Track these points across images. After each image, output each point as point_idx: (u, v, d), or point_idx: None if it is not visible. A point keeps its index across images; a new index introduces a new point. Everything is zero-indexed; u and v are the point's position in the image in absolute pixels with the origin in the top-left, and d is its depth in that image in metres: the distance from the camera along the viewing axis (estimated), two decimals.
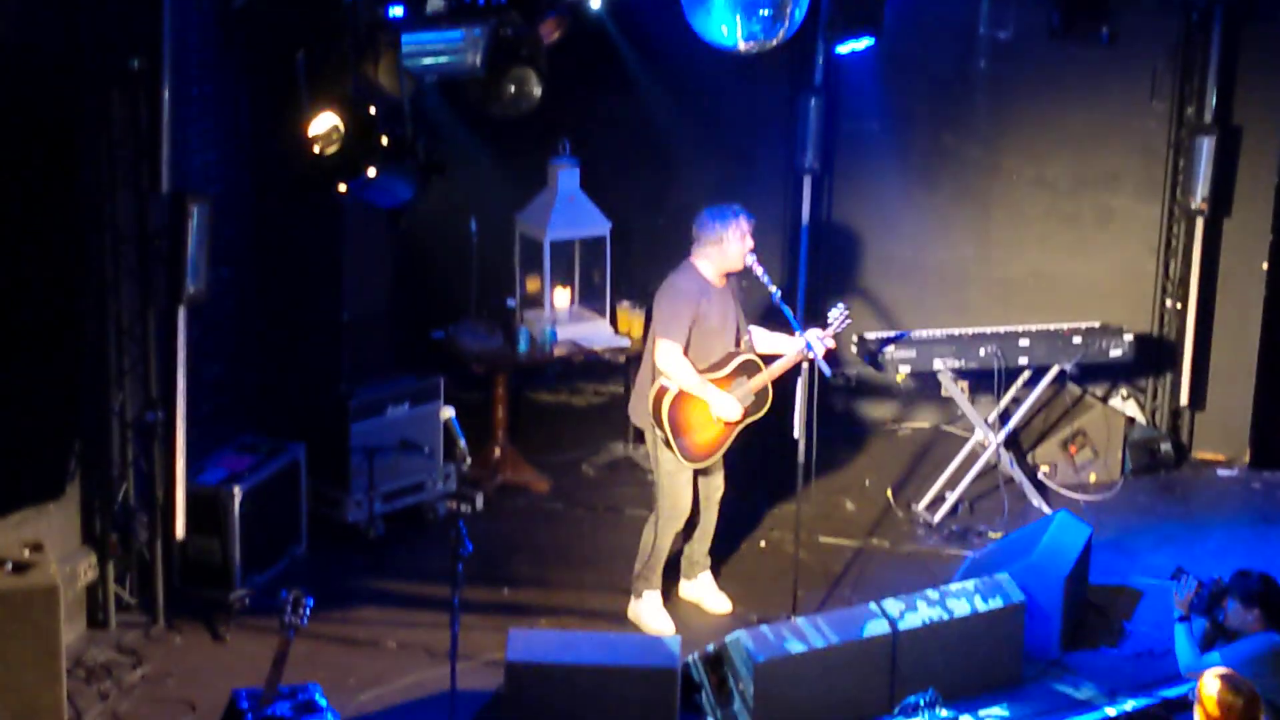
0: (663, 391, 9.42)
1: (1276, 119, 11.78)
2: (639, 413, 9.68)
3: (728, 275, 9.58)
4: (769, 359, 9.64)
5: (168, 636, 9.49)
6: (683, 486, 9.61)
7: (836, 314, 9.64)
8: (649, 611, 9.74)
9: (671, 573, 9.97)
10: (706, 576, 10.02)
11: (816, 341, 9.43)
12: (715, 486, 9.83)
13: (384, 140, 8.65)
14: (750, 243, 9.47)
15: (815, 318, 10.37)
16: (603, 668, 8.45)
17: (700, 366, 9.44)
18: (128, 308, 9.32)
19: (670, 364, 9.36)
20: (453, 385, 11.13)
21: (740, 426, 9.57)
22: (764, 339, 9.76)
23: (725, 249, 9.46)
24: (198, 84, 9.76)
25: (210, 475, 9.88)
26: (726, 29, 10.05)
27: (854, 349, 11.49)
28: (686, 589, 10.04)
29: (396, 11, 8.86)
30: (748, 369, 9.55)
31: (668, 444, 9.44)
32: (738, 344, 9.60)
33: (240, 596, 9.72)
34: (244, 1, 8.48)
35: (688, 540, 9.93)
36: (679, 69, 11.95)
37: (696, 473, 9.66)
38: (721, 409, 9.44)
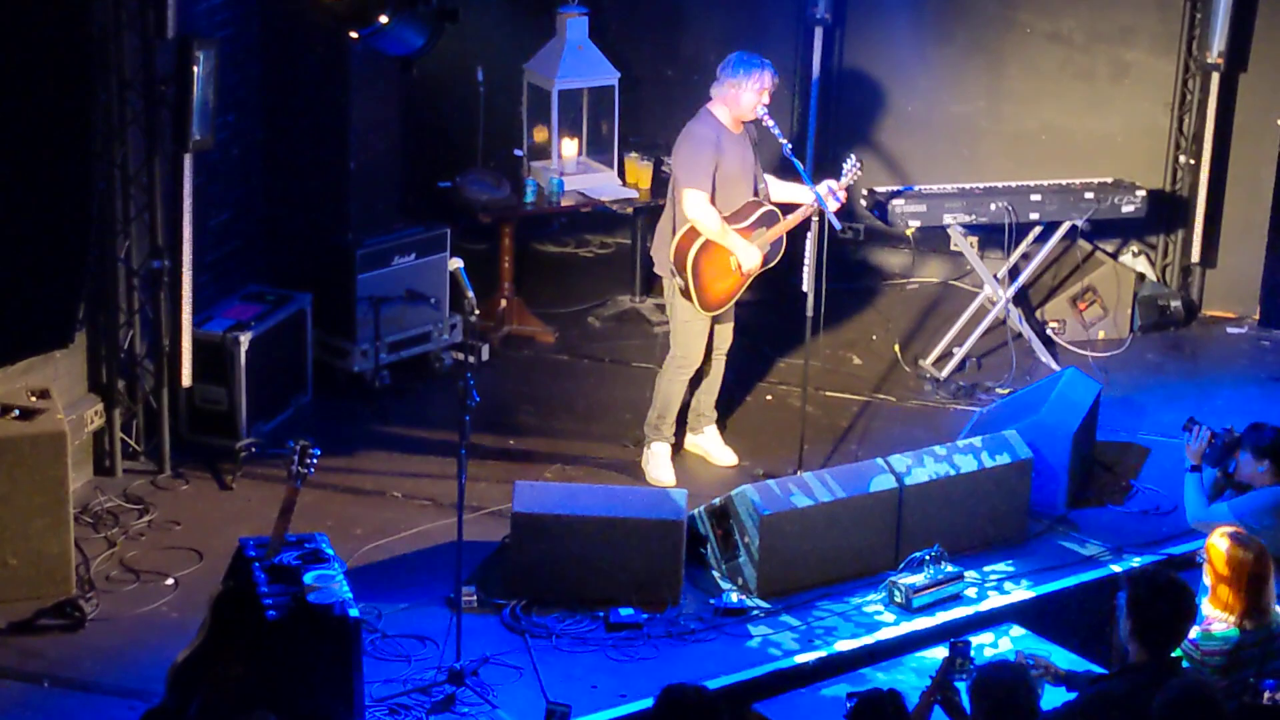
0: (688, 240, 9.40)
1: None
2: (660, 259, 9.66)
3: (744, 123, 9.49)
4: (786, 208, 9.61)
5: (174, 484, 9.52)
6: (697, 335, 9.62)
7: (849, 165, 9.63)
8: (656, 462, 9.76)
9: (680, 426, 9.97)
10: (713, 429, 10.02)
11: (828, 194, 9.39)
12: (724, 338, 9.81)
13: None
14: (767, 98, 9.38)
15: (825, 170, 10.30)
16: (609, 519, 8.47)
17: (724, 214, 9.41)
18: (134, 154, 9.27)
19: (698, 213, 9.33)
20: (459, 235, 11.10)
21: (754, 276, 9.56)
22: (779, 188, 9.72)
23: (740, 96, 9.38)
24: None
25: (216, 323, 9.86)
26: None
27: (863, 202, 11.42)
28: (693, 441, 10.05)
29: None
30: (767, 219, 9.54)
31: (685, 293, 9.42)
32: (756, 192, 9.56)
33: (246, 445, 9.72)
34: None
35: (694, 392, 9.92)
36: None
37: (711, 322, 9.65)
38: (746, 259, 9.43)
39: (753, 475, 9.57)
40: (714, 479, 9.72)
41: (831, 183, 9.49)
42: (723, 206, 9.42)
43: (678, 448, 9.93)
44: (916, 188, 11.23)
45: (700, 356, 9.70)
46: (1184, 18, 11.84)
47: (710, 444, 10.01)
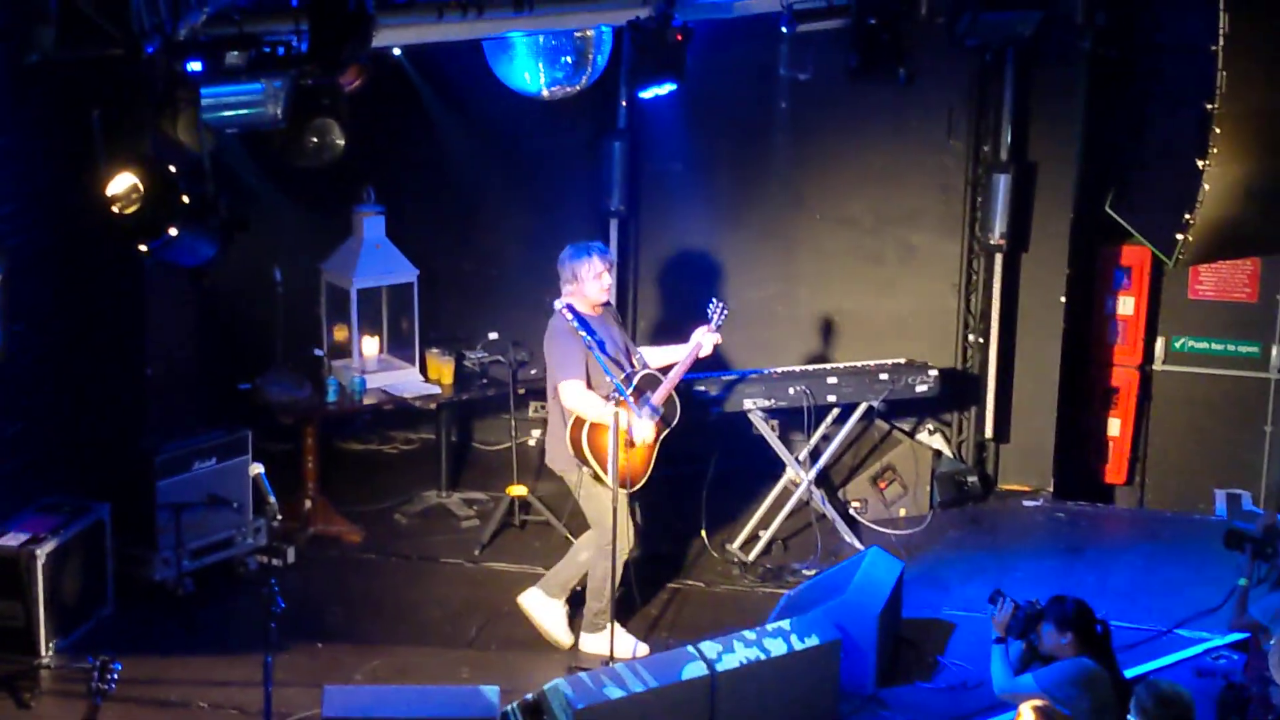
0: (578, 429, 9.61)
1: (1070, 155, 12.07)
2: (559, 459, 9.84)
3: (602, 305, 9.77)
4: (666, 370, 9.86)
5: None
6: (625, 516, 9.75)
7: (714, 309, 9.95)
8: (620, 643, 9.77)
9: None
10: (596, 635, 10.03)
11: (706, 339, 9.76)
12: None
13: (184, 198, 8.52)
14: (607, 280, 9.70)
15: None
16: None
17: (602, 395, 9.61)
18: None
19: (577, 401, 9.58)
20: (262, 437, 11.00)
21: (660, 440, 9.77)
22: (656, 354, 10.09)
23: (582, 287, 9.70)
24: None
25: (12, 537, 9.65)
26: (529, 75, 10.10)
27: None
28: (588, 642, 10.06)
29: (195, 66, 8.74)
30: (648, 383, 9.76)
31: (597, 477, 9.60)
32: (632, 365, 9.76)
33: (45, 662, 9.49)
34: (38, 57, 8.29)
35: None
36: (483, 114, 11.97)
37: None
38: (637, 431, 9.63)
39: (565, 668, 9.53)
40: (531, 672, 9.64)
41: (704, 329, 9.82)
42: (601, 389, 9.63)
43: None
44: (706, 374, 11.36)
45: (630, 534, 9.83)
46: (966, 201, 12.23)
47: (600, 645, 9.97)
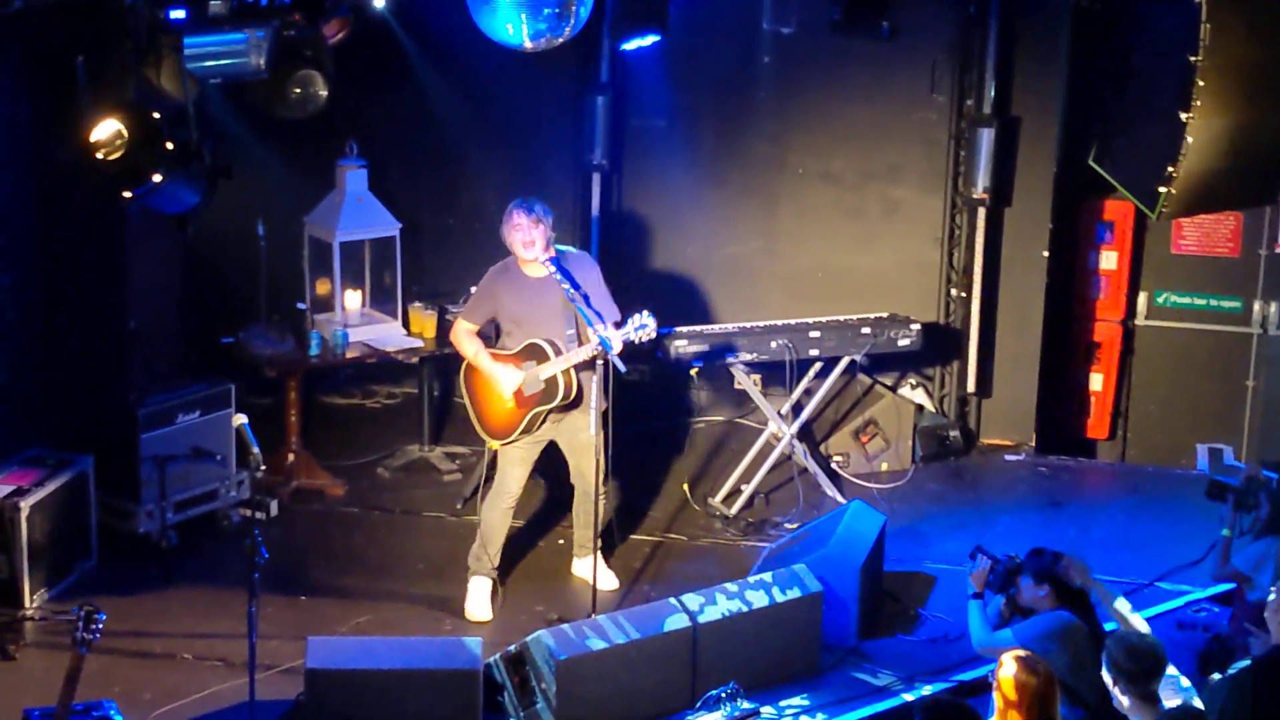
0: (465, 366, 9.86)
1: (1053, 109, 12.07)
2: None
3: (553, 269, 9.65)
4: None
5: None
6: (510, 464, 9.83)
7: (635, 320, 9.58)
8: (471, 598, 9.85)
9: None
10: (589, 559, 10.02)
11: (615, 339, 9.49)
12: (582, 474, 9.93)
13: (169, 145, 8.51)
14: (526, 235, 9.61)
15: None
16: (404, 672, 8.41)
17: (509, 350, 9.74)
18: None
19: (455, 337, 9.95)
20: (245, 390, 11.01)
21: (534, 411, 9.71)
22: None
23: (509, 239, 9.72)
24: None
25: None
26: (512, 27, 10.04)
27: (647, 344, 11.49)
28: (578, 566, 10.25)
29: (178, 14, 8.72)
30: (534, 353, 9.73)
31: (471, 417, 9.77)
32: (580, 341, 9.69)
33: (29, 613, 9.50)
34: (20, 5, 8.25)
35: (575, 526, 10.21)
36: (465, 67, 11.93)
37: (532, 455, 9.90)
38: (500, 381, 9.72)
39: (546, 620, 9.56)
40: (513, 625, 9.68)
41: (614, 331, 9.56)
42: (510, 344, 9.75)
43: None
44: (673, 329, 11.32)
45: (512, 489, 9.86)
46: (949, 156, 12.21)
47: (588, 571, 10.01)
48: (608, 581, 10.08)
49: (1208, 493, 9.61)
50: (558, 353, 9.68)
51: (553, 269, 9.58)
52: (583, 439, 9.74)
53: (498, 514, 9.90)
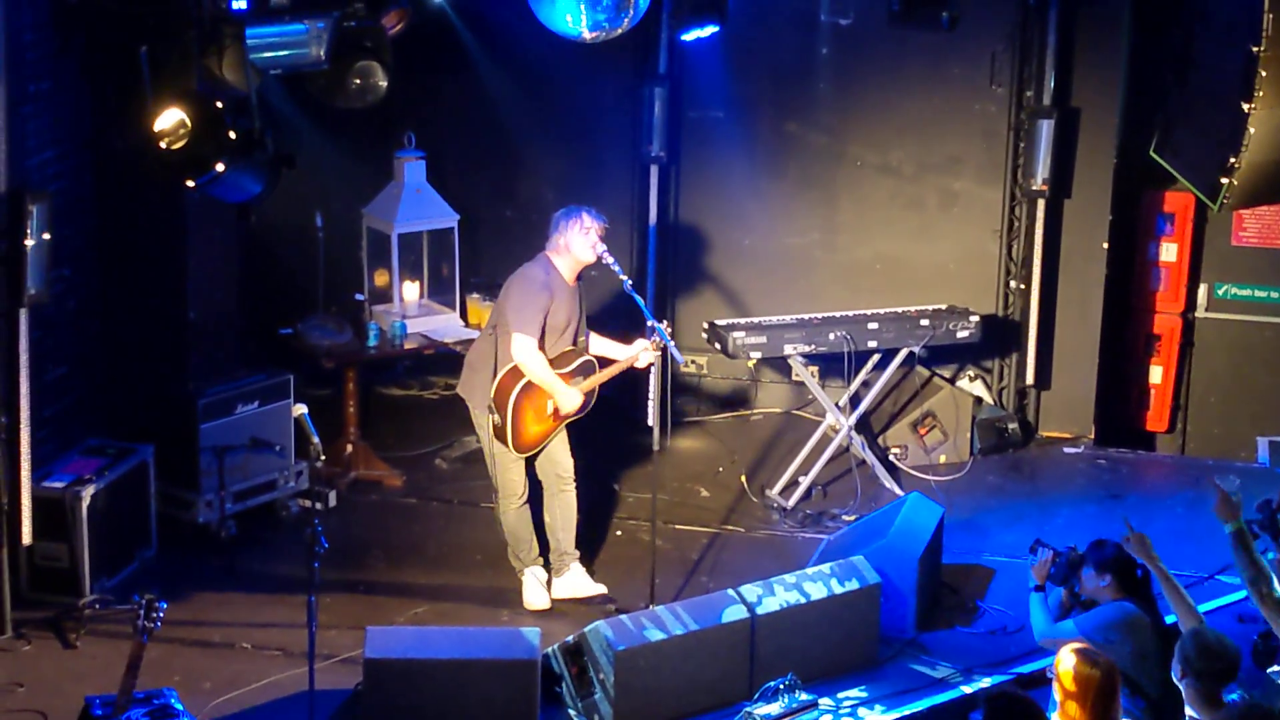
0: (511, 380, 9.49)
1: (1113, 100, 11.99)
2: (475, 395, 9.74)
3: (579, 276, 9.64)
4: (602, 362, 9.78)
5: (16, 645, 9.30)
6: (512, 466, 9.73)
7: (656, 333, 9.56)
8: (528, 590, 9.81)
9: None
10: (577, 566, 9.97)
11: (644, 355, 9.59)
12: (564, 465, 9.85)
13: (231, 134, 8.54)
14: (594, 239, 9.53)
15: (663, 304, 10.41)
16: (462, 662, 8.41)
17: (548, 359, 9.57)
18: None
19: (527, 358, 9.44)
20: (303, 381, 11.05)
21: (563, 423, 9.69)
22: (598, 343, 9.92)
23: (570, 244, 9.56)
24: (34, 81, 9.58)
25: (56, 479, 9.69)
26: (571, 18, 10.05)
27: (704, 336, 11.52)
28: (559, 584, 9.98)
29: (240, 4, 8.76)
30: (585, 369, 9.70)
31: (499, 433, 9.55)
32: (575, 343, 9.70)
33: (90, 602, 9.56)
34: None
35: (550, 532, 9.95)
36: (524, 59, 11.96)
37: (532, 458, 9.77)
38: (565, 402, 9.56)
39: (605, 611, 9.56)
40: (570, 616, 9.68)
41: (643, 342, 9.64)
42: (546, 352, 9.56)
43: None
44: (747, 320, 11.32)
45: (522, 485, 9.79)
46: (1008, 147, 12.15)
47: (577, 583, 9.97)
48: (595, 588, 9.99)
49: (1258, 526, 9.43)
50: (603, 366, 9.71)
51: (610, 260, 9.54)
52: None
53: (513, 514, 9.81)
